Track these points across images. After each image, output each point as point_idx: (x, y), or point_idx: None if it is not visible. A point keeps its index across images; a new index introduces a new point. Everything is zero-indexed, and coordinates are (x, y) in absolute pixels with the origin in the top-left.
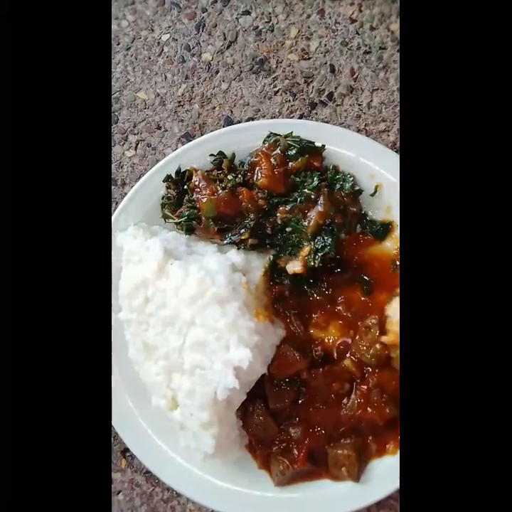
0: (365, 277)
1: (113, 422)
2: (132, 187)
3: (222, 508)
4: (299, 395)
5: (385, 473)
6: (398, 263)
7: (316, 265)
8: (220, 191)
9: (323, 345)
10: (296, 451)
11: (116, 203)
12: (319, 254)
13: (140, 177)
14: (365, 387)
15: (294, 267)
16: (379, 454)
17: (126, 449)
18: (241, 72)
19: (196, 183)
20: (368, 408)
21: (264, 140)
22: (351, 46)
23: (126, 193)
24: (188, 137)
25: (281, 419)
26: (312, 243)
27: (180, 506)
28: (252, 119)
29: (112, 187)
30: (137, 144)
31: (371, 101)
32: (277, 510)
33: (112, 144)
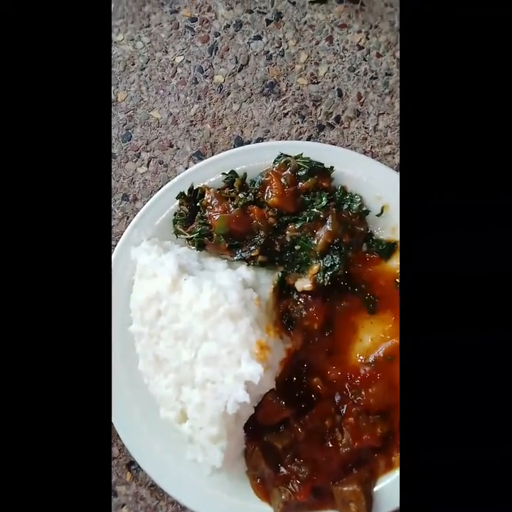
0: (371, 296)
1: (120, 435)
2: (143, 203)
3: None
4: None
5: (391, 489)
6: (399, 280)
7: (326, 283)
8: (232, 209)
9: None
10: (297, 487)
11: (128, 218)
12: (328, 273)
13: (152, 193)
14: (351, 418)
15: (304, 284)
16: (388, 468)
17: (131, 462)
18: (252, 94)
19: (208, 200)
20: (362, 436)
21: (275, 160)
22: (358, 72)
23: (137, 209)
24: (200, 155)
25: (288, 459)
26: (321, 261)
27: None
28: (261, 139)
29: (125, 202)
30: (149, 161)
31: (377, 124)
32: None
33: (125, 161)
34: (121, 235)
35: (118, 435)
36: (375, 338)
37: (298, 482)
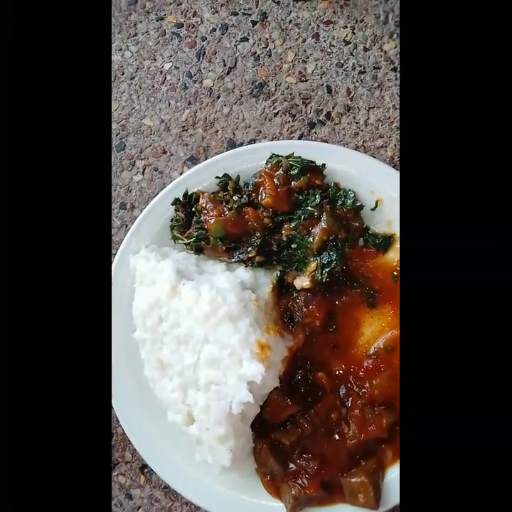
0: (370, 290)
1: (131, 439)
2: (141, 210)
3: None
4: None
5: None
6: (396, 273)
7: (324, 280)
8: (227, 212)
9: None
10: (306, 482)
11: (127, 226)
12: (326, 270)
13: (148, 200)
14: (357, 410)
15: (302, 282)
16: (395, 458)
17: (145, 466)
18: (241, 96)
19: (203, 205)
20: (368, 428)
21: (267, 161)
22: (346, 67)
23: (135, 216)
24: (193, 160)
25: (296, 454)
26: (318, 259)
27: None
28: (253, 140)
29: (122, 211)
30: (144, 169)
31: (368, 118)
32: None
33: (121, 170)
34: (121, 243)
35: (130, 440)
36: (375, 331)
37: (307, 477)
